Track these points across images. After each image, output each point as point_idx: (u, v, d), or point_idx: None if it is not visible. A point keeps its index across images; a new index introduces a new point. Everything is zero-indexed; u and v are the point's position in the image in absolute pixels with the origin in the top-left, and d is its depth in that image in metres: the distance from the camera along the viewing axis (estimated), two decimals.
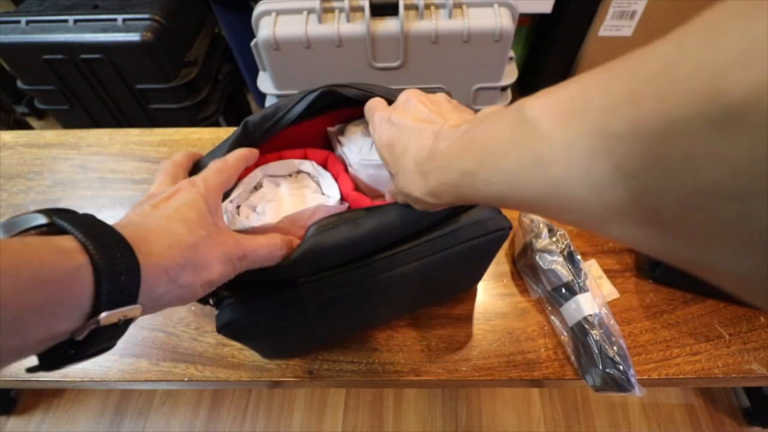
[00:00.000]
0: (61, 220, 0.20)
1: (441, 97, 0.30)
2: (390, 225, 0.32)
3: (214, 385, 0.48)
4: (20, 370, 0.46)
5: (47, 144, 0.67)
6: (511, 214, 0.57)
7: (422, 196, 0.25)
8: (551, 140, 0.15)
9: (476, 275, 0.47)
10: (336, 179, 0.37)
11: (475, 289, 0.52)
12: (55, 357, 0.20)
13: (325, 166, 0.38)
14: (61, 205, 0.60)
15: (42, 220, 0.20)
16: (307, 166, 0.38)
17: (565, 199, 0.15)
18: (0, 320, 0.16)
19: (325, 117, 0.38)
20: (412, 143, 0.25)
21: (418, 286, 0.40)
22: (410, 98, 0.29)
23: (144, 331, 0.49)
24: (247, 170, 0.36)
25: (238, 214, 0.34)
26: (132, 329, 0.49)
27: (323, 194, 0.37)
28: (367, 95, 0.34)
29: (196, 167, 0.33)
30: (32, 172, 0.64)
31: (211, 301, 0.32)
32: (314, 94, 0.34)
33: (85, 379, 0.46)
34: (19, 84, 1.10)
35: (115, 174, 0.63)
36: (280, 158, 0.38)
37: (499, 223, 0.36)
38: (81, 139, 0.68)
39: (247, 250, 0.27)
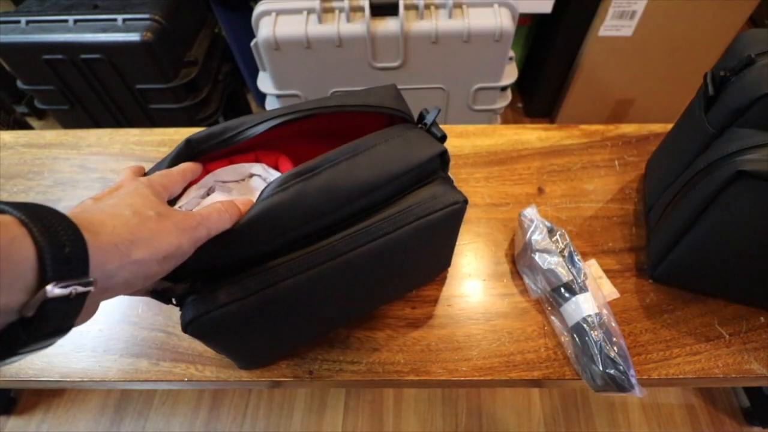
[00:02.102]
0: None
1: None
2: (344, 179, 0.32)
3: (214, 385, 0.48)
4: (20, 370, 0.47)
5: (47, 144, 0.67)
6: (507, 212, 0.57)
7: None
8: None
9: (444, 255, 0.48)
10: None
11: (476, 290, 0.52)
12: (6, 340, 0.19)
13: (276, 167, 0.38)
14: (61, 205, 0.60)
15: None
16: (258, 168, 0.38)
17: None
18: None
19: (283, 128, 0.37)
20: None
21: (386, 269, 0.40)
22: None
23: (144, 331, 0.49)
24: (197, 178, 0.36)
25: None
26: (132, 329, 0.49)
27: None
28: (349, 108, 0.35)
29: None
30: (32, 172, 0.64)
31: (173, 301, 0.32)
32: (276, 122, 0.34)
33: (85, 379, 0.46)
34: (19, 84, 1.10)
35: (114, 174, 0.63)
36: (231, 164, 0.38)
37: (452, 197, 0.37)
38: (81, 139, 0.68)
39: (198, 219, 0.28)
